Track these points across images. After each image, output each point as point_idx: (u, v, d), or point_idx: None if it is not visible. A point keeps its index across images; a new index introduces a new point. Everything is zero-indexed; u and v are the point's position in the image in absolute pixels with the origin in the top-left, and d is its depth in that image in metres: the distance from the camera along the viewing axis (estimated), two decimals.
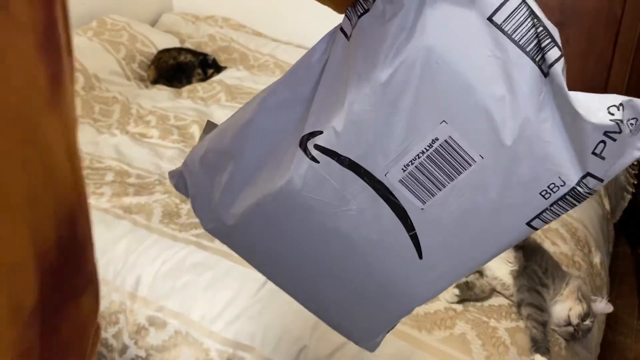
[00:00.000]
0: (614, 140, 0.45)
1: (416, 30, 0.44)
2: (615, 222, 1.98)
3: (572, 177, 0.47)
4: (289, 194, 0.49)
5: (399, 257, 0.51)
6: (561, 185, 0.47)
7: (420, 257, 0.50)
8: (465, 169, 0.46)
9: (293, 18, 2.66)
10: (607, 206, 1.73)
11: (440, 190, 0.47)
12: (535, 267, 1.18)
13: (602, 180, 0.47)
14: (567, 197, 0.48)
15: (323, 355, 1.07)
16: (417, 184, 0.47)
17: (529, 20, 0.44)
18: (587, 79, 2.36)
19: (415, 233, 0.49)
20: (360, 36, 0.47)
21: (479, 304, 1.15)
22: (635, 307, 1.88)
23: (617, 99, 0.46)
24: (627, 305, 1.88)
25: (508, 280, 1.18)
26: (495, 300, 1.17)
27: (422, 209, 0.48)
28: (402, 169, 0.47)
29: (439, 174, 0.47)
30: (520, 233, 0.50)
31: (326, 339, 1.08)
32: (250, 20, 2.85)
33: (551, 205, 0.48)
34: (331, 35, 0.51)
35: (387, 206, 0.48)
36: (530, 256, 1.21)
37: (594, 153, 0.46)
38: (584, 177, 0.47)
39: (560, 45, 0.45)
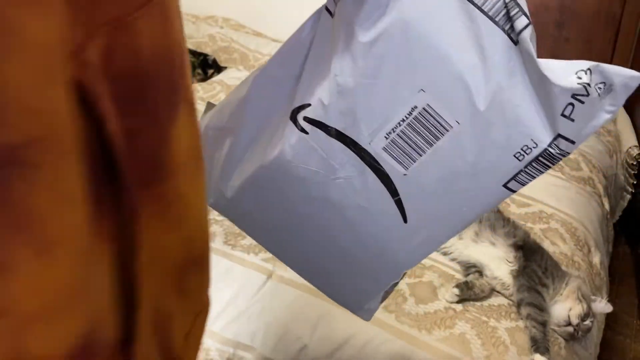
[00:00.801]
0: (582, 102, 0.48)
1: (392, 5, 0.46)
2: (614, 222, 1.98)
3: (544, 138, 0.50)
4: (281, 165, 0.52)
5: (386, 222, 0.54)
6: (534, 147, 0.50)
7: (405, 221, 0.53)
8: (443, 135, 0.49)
9: (293, 18, 2.65)
10: (607, 206, 1.73)
11: (421, 156, 0.50)
12: (535, 267, 1.18)
13: (573, 142, 0.50)
14: (540, 158, 0.51)
15: (323, 355, 1.07)
16: (399, 150, 0.50)
17: None
18: None
19: (400, 198, 0.52)
20: (343, 14, 0.50)
21: (478, 303, 1.15)
22: (635, 307, 1.88)
23: (585, 64, 0.49)
24: (626, 305, 1.88)
25: (508, 279, 1.19)
26: (495, 300, 1.18)
27: (405, 174, 0.51)
28: (385, 137, 0.50)
29: (419, 140, 0.50)
30: (498, 195, 0.53)
31: (326, 338, 1.09)
32: (250, 20, 2.85)
33: (525, 166, 0.51)
34: (317, 13, 0.54)
35: (372, 173, 0.51)
36: (530, 256, 1.21)
37: (563, 115, 0.49)
38: (555, 138, 0.50)
39: (528, 13, 0.47)
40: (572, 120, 0.49)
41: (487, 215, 1.31)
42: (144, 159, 0.32)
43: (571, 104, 0.49)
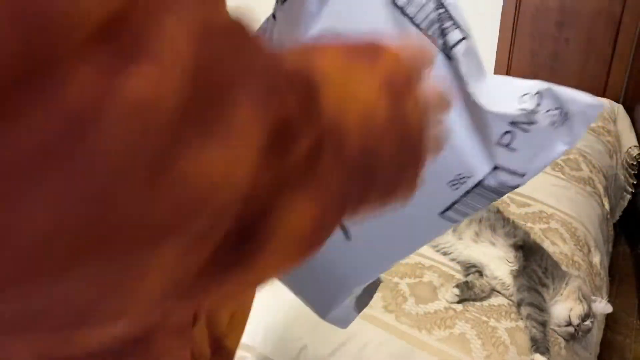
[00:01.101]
0: (526, 131, 0.43)
1: (321, 15, 0.43)
2: (614, 222, 1.98)
3: (479, 169, 0.45)
4: None
5: (331, 239, 0.53)
6: (468, 177, 0.46)
7: (348, 238, 0.50)
8: None
9: None
10: (607, 206, 1.73)
11: None
12: (535, 267, 1.18)
13: (522, 175, 0.45)
14: (478, 189, 0.46)
15: (323, 355, 1.07)
16: None
17: (431, 1, 0.42)
18: (587, 78, 2.36)
19: None
20: (282, 21, 0.48)
21: (478, 303, 1.15)
22: (635, 307, 1.88)
23: (536, 86, 0.44)
24: (626, 305, 1.88)
25: (508, 279, 1.19)
26: (495, 300, 1.18)
27: None
28: None
29: None
30: (435, 224, 0.49)
31: (326, 338, 1.09)
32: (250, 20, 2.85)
33: (462, 197, 0.47)
34: (267, 21, 0.52)
35: None
36: (530, 256, 1.21)
37: (499, 144, 0.44)
38: (493, 169, 0.45)
39: (464, 26, 0.43)
40: (513, 150, 0.44)
41: (487, 215, 1.31)
42: None
43: (509, 132, 0.43)
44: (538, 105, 0.43)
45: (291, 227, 0.26)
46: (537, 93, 0.44)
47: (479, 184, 0.46)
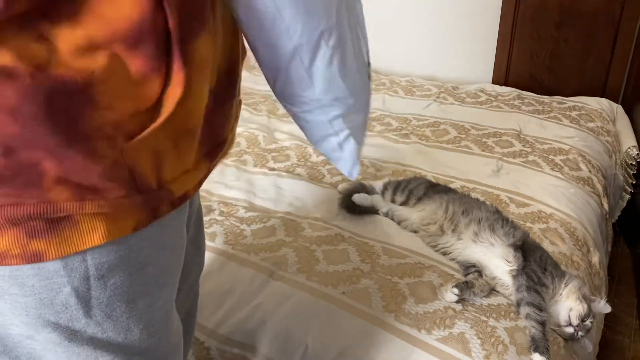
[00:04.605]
0: None
1: None
2: (613, 221, 1.98)
3: None
4: None
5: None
6: None
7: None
8: None
9: None
10: (606, 206, 1.73)
11: None
12: (534, 267, 1.18)
13: None
14: None
15: (323, 355, 1.08)
16: None
17: None
18: (587, 78, 2.36)
19: None
20: None
21: (478, 303, 1.16)
22: (634, 307, 1.89)
23: None
24: (625, 305, 1.89)
25: (507, 279, 1.19)
26: (494, 300, 1.18)
27: None
28: None
29: None
30: None
31: (326, 338, 1.09)
32: None
33: None
34: None
35: None
36: (529, 255, 1.21)
37: None
38: None
39: None
40: None
41: (487, 215, 1.31)
42: None
43: None
44: None
45: None
46: None
47: None
